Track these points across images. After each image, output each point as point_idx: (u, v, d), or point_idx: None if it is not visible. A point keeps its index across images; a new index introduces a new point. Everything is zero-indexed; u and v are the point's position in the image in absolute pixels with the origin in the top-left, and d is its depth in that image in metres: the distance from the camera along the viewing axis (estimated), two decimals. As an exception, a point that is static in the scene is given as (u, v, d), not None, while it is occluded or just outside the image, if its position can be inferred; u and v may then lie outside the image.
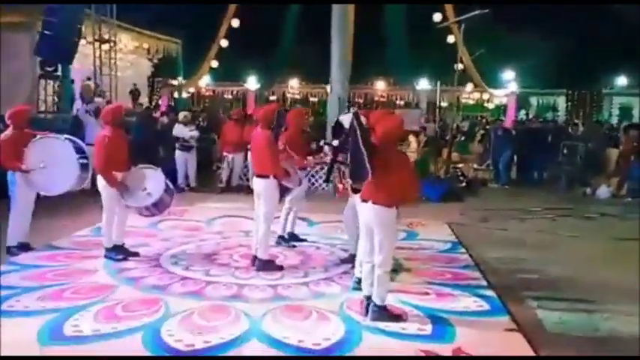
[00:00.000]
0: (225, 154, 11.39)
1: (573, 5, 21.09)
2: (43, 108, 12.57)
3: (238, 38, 22.64)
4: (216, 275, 5.86)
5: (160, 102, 22.09)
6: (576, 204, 10.67)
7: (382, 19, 22.75)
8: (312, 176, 10.62)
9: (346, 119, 5.66)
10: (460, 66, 19.34)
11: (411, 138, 14.30)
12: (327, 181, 6.21)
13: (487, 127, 17.59)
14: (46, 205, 7.05)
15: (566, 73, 23.92)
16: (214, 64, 23.69)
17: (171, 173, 11.20)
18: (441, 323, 4.72)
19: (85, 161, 6.44)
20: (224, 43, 22.67)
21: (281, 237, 7.13)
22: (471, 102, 26.18)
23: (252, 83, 26.21)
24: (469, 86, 23.88)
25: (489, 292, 5.55)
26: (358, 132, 4.47)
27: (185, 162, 11.40)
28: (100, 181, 6.25)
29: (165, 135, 11.80)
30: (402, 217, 8.16)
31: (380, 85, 26.45)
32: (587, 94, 25.59)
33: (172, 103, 21.91)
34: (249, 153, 8.67)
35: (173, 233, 7.72)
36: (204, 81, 25.42)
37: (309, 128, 12.05)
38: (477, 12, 12.21)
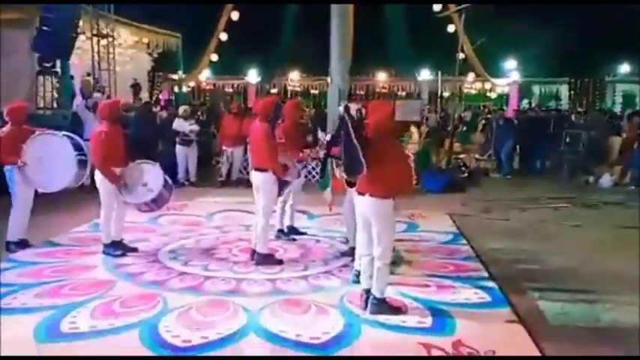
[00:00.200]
0: (224, 148, 11.34)
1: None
2: (42, 104, 12.51)
3: (238, 31, 22.54)
4: (215, 270, 5.82)
5: (160, 96, 22.01)
6: (579, 193, 10.59)
7: (383, 10, 22.64)
8: (310, 170, 10.56)
9: (350, 109, 5.61)
10: (461, 55, 19.22)
11: (413, 129, 14.21)
12: (322, 176, 6.14)
13: (488, 116, 17.48)
14: (44, 202, 7.01)
15: (569, 61, 23.72)
16: (214, 57, 23.60)
17: (171, 168, 11.23)
18: (441, 315, 4.67)
19: (83, 158, 6.41)
20: (223, 36, 22.57)
21: (280, 231, 7.09)
22: (473, 92, 26.04)
23: (252, 76, 26.10)
24: (471, 76, 23.74)
25: (490, 284, 5.50)
26: (349, 125, 4.40)
27: (185, 156, 11.36)
28: (98, 177, 6.22)
29: (165, 129, 11.76)
30: (401, 208, 8.21)
31: (381, 77, 26.31)
32: (590, 82, 25.40)
33: (172, 97, 21.82)
34: (248, 147, 8.61)
35: (172, 228, 7.69)
36: (205, 75, 25.32)
37: (310, 120, 12.02)
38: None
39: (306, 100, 24.99)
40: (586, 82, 25.28)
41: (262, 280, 5.52)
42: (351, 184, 4.76)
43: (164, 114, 12.77)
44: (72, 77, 13.91)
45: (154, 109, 14.33)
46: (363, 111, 4.79)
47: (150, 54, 20.08)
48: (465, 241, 7.14)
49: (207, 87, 27.52)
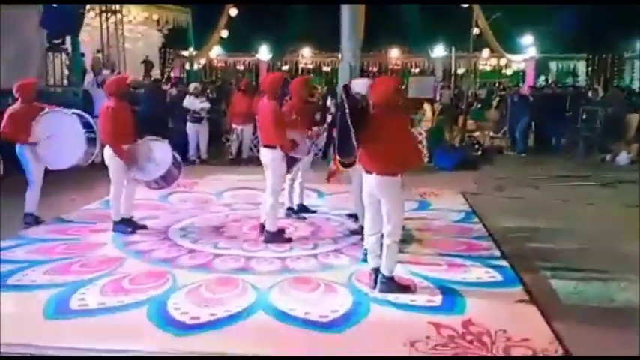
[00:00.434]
0: (233, 126, 11.27)
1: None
2: (52, 81, 12.49)
3: (248, 7, 22.27)
4: (225, 248, 5.80)
5: (172, 74, 21.92)
6: (595, 171, 10.42)
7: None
8: (321, 149, 10.46)
9: (360, 83, 5.52)
10: (476, 31, 18.91)
11: (426, 106, 14.05)
12: (324, 157, 6.09)
13: (502, 93, 17.22)
14: (56, 179, 7.02)
15: (586, 37, 23.20)
16: (224, 34, 23.38)
17: (182, 145, 11.20)
18: (451, 294, 4.62)
19: (92, 136, 6.37)
20: (233, 11, 22.30)
21: (290, 209, 7.05)
22: (488, 68, 25.64)
23: (264, 53, 25.88)
24: (485, 52, 23.35)
25: (502, 263, 5.43)
26: (345, 105, 4.31)
27: (196, 134, 11.31)
28: (107, 153, 6.19)
29: (175, 107, 11.70)
30: (413, 186, 8.14)
31: (394, 53, 25.96)
32: (608, 58, 24.90)
33: (184, 75, 21.73)
34: (257, 124, 8.54)
35: (182, 206, 7.69)
36: (216, 52, 25.14)
37: (322, 98, 11.91)
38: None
39: (318, 78, 24.80)
40: (604, 58, 24.77)
41: (272, 258, 5.49)
42: (344, 165, 4.65)
43: (174, 91, 12.71)
44: (83, 54, 13.84)
45: (164, 87, 14.28)
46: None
47: (160, 30, 19.96)
48: (477, 220, 7.06)
49: (219, 64, 27.38)
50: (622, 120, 12.61)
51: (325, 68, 27.38)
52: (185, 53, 22.36)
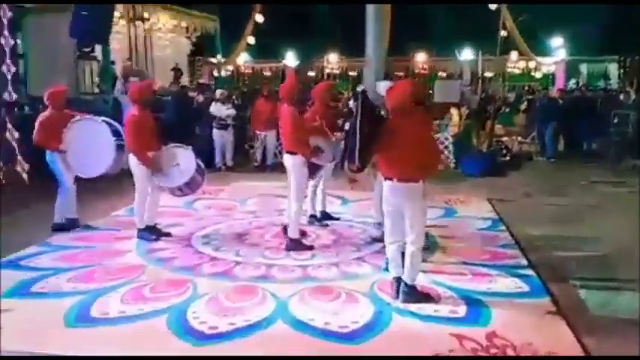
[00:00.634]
0: (257, 132, 11.28)
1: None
2: (83, 89, 12.72)
3: (274, 13, 22.36)
4: (246, 255, 5.77)
5: (201, 81, 22.13)
6: (627, 177, 10.11)
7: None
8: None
9: (383, 86, 5.46)
10: (503, 33, 18.60)
11: (453, 111, 13.87)
12: (342, 167, 6.05)
13: (529, 97, 16.90)
14: (86, 186, 7.07)
15: (618, 38, 22.67)
16: (251, 40, 23.50)
17: (208, 152, 11.27)
18: (475, 305, 4.51)
19: (122, 143, 6.41)
20: (259, 18, 22.40)
21: (312, 216, 7.00)
22: (517, 71, 25.21)
23: (290, 59, 25.94)
24: (514, 55, 22.97)
25: (529, 272, 5.29)
26: (359, 112, 4.24)
27: (222, 140, 11.35)
28: (132, 161, 6.23)
29: (201, 113, 11.77)
30: (434, 193, 8.03)
31: (421, 57, 25.74)
32: (641, 60, 24.26)
33: (212, 82, 21.89)
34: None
35: (207, 213, 7.71)
36: (243, 58, 25.30)
37: (346, 103, 11.83)
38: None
39: (345, 83, 24.73)
40: (636, 60, 24.16)
41: (293, 266, 5.45)
42: (352, 171, 4.58)
43: (200, 98, 12.78)
44: (113, 62, 14.08)
45: (190, 94, 14.40)
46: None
47: (189, 38, 20.20)
48: (504, 227, 6.91)
49: (246, 71, 27.55)
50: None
51: (352, 73, 27.29)
52: (213, 60, 22.55)
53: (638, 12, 19.88)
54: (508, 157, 12.02)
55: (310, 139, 6.23)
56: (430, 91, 14.39)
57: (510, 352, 3.78)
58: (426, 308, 4.43)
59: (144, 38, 14.89)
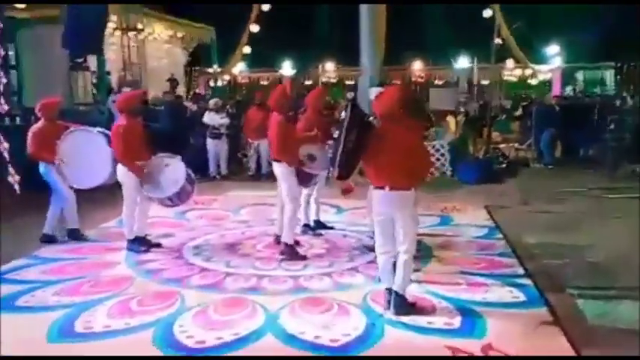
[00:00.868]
0: (249, 141, 11.17)
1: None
2: (76, 100, 12.61)
3: (270, 23, 22.35)
4: (237, 266, 5.66)
5: (197, 91, 22.09)
6: (624, 183, 10.01)
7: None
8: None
9: (374, 92, 5.40)
10: (498, 41, 18.58)
11: (449, 118, 13.81)
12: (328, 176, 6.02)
13: (525, 103, 16.85)
14: (78, 196, 6.91)
15: (614, 45, 22.65)
16: (247, 50, 23.48)
17: (202, 162, 11.17)
18: (471, 316, 4.39)
19: None
20: (255, 28, 22.39)
21: (306, 225, 6.89)
22: (514, 79, 25.20)
23: (287, 69, 25.91)
24: (510, 62, 22.97)
25: (526, 281, 5.17)
26: (346, 121, 4.15)
27: (216, 150, 11.25)
28: (120, 171, 6.12)
29: (195, 123, 11.69)
30: (429, 200, 7.95)
31: (417, 66, 25.73)
32: (638, 67, 24.27)
33: (207, 92, 21.83)
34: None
35: (199, 223, 7.59)
36: (239, 68, 25.27)
37: (342, 111, 11.75)
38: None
39: (342, 92, 24.68)
40: (633, 66, 24.16)
41: (284, 277, 5.34)
42: (338, 179, 4.45)
43: (194, 107, 12.71)
44: (108, 73, 14.00)
45: (186, 103, 14.31)
46: None
47: (185, 48, 20.19)
48: (500, 236, 6.80)
49: (243, 80, 27.51)
50: (653, 130, 12.16)
51: (348, 82, 27.27)
52: (210, 70, 22.51)
53: (634, 19, 19.89)
54: (505, 164, 11.92)
55: (302, 147, 6.18)
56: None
57: (506, 365, 3.66)
58: (420, 320, 4.32)
59: (139, 49, 14.82)
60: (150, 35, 16.72)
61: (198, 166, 11.11)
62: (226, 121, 11.29)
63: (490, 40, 13.02)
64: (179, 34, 18.70)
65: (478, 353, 3.81)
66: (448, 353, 3.81)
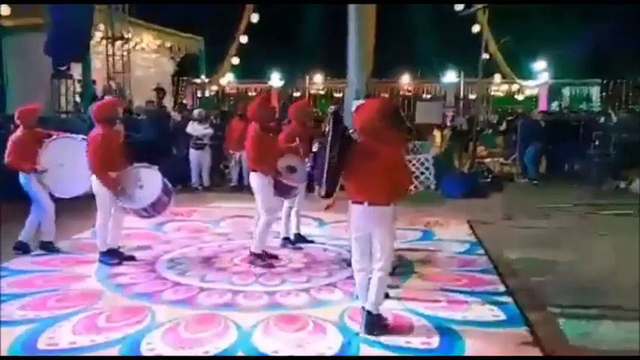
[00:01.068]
0: (231, 152, 11.02)
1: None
2: (58, 108, 12.42)
3: (259, 34, 22.31)
4: (212, 281, 5.49)
5: (184, 101, 21.96)
6: (609, 199, 9.98)
7: (407, 11, 22.18)
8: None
9: (356, 105, 5.29)
10: (485, 56, 18.65)
11: (435, 132, 13.77)
12: (310, 190, 5.93)
13: (510, 118, 16.88)
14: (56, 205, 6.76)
15: (601, 62, 22.86)
16: (235, 61, 23.41)
17: (185, 172, 11.02)
18: (449, 335, 4.27)
19: None
20: (244, 39, 22.35)
21: (286, 239, 6.75)
22: (501, 94, 25.34)
23: (275, 80, 25.86)
24: (497, 77, 23.10)
25: (507, 299, 5.06)
26: (330, 135, 4.03)
27: (199, 160, 11.10)
28: (94, 182, 5.95)
29: (178, 133, 11.54)
30: (417, 215, 7.85)
31: (405, 79, 25.79)
32: (623, 84, 24.48)
33: (195, 102, 21.71)
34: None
35: (176, 235, 7.42)
36: (227, 79, 25.19)
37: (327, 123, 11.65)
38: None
39: (330, 104, 24.63)
40: (619, 83, 24.37)
41: (260, 292, 5.18)
42: (321, 196, 4.30)
43: (178, 117, 12.55)
44: (94, 81, 13.83)
45: (171, 113, 14.15)
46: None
47: (173, 58, 20.09)
48: (482, 251, 6.69)
49: (231, 91, 27.41)
50: (637, 145, 12.16)
51: (337, 94, 27.25)
52: (197, 80, 22.41)
53: (621, 36, 20.06)
54: (489, 179, 11.86)
55: (282, 158, 6.10)
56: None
57: (483, 388, 3.53)
58: (398, 339, 4.19)
59: (125, 58, 14.69)
60: (137, 45, 16.63)
61: (181, 177, 10.99)
62: (209, 131, 11.15)
63: (478, 55, 13.01)
64: (167, 44, 18.65)
65: (455, 375, 3.68)
66: (424, 375, 3.68)
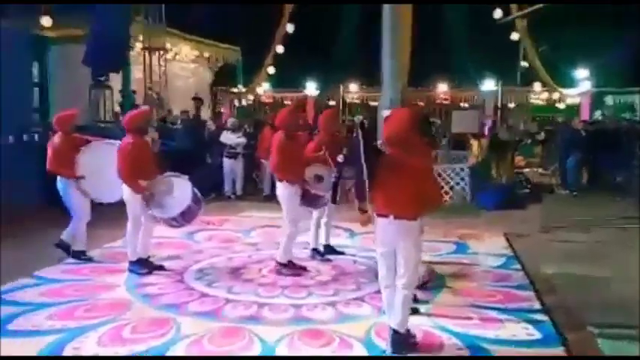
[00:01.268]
0: (262, 161, 11.01)
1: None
2: (97, 118, 12.67)
3: (295, 44, 22.41)
4: (238, 293, 5.44)
5: (222, 110, 22.20)
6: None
7: (444, 20, 21.96)
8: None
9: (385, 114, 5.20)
10: (524, 64, 18.29)
11: (472, 141, 13.50)
12: (334, 201, 5.85)
13: (549, 128, 16.43)
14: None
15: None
16: (271, 70, 23.58)
17: (219, 181, 11.07)
18: (480, 355, 4.10)
19: None
20: (280, 49, 22.49)
21: (315, 250, 6.66)
22: (541, 102, 24.75)
23: (311, 89, 25.90)
24: (537, 86, 22.57)
25: (543, 317, 4.86)
26: (361, 144, 3.89)
27: (232, 170, 11.13)
28: (126, 191, 5.99)
29: (212, 142, 11.62)
30: (452, 227, 7.69)
31: (442, 88, 25.46)
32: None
33: (229, 112, 21.90)
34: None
35: (206, 245, 7.41)
36: (264, 88, 25.36)
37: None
38: (540, 5, 11.33)
39: (365, 113, 24.51)
40: (665, 91, 23.51)
41: (286, 305, 5.10)
42: (362, 210, 4.20)
43: (212, 126, 12.64)
44: (134, 91, 14.09)
45: (207, 123, 14.28)
46: None
47: (211, 68, 20.36)
48: (519, 266, 6.47)
49: (267, 100, 27.58)
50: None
51: (372, 103, 27.10)
52: (234, 90, 22.65)
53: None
54: (528, 190, 11.54)
55: (309, 167, 6.06)
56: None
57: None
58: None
59: (164, 68, 14.93)
60: (177, 55, 16.92)
61: (215, 186, 11.05)
62: (242, 140, 11.17)
63: (516, 63, 12.71)
64: (205, 54, 18.89)
65: (485, 398, 3.51)
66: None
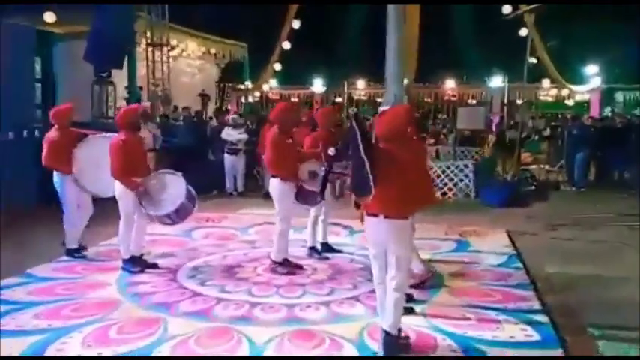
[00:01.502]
0: (263, 157, 10.89)
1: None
2: (98, 114, 12.62)
3: (301, 40, 22.30)
4: (231, 292, 5.32)
5: (229, 107, 22.15)
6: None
7: (451, 15, 21.77)
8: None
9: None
10: (532, 60, 18.02)
11: (490, 137, 13.31)
12: (322, 198, 5.74)
13: (553, 124, 16.20)
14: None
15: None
16: (277, 67, 23.49)
17: (219, 177, 10.97)
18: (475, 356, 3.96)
19: None
20: (286, 45, 22.38)
21: (312, 248, 6.54)
22: (550, 99, 24.45)
23: (318, 86, 25.76)
24: (546, 82, 22.29)
25: (542, 318, 4.71)
26: (358, 136, 3.74)
27: (233, 166, 11.03)
28: (118, 188, 5.88)
29: (214, 138, 11.52)
30: (454, 224, 7.54)
31: (450, 84, 25.23)
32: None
33: (236, 108, 21.84)
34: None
35: (202, 242, 7.30)
36: (270, 84, 25.28)
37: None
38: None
39: (371, 109, 24.36)
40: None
41: (279, 305, 4.98)
42: (357, 205, 4.06)
43: (214, 123, 12.55)
44: (140, 87, 14.04)
45: (210, 119, 14.20)
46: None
47: (217, 64, 20.30)
48: (520, 264, 6.31)
49: (274, 97, 27.49)
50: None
51: (379, 99, 26.91)
52: (241, 86, 22.58)
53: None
54: (534, 187, 11.35)
55: (304, 164, 5.96)
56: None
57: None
58: (417, 360, 3.91)
59: (169, 64, 14.88)
60: (183, 52, 16.87)
61: (217, 182, 10.95)
62: (244, 137, 11.06)
63: (524, 59, 12.51)
64: (212, 51, 18.82)
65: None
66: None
